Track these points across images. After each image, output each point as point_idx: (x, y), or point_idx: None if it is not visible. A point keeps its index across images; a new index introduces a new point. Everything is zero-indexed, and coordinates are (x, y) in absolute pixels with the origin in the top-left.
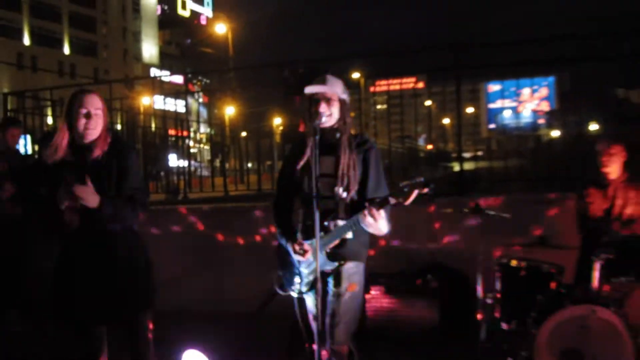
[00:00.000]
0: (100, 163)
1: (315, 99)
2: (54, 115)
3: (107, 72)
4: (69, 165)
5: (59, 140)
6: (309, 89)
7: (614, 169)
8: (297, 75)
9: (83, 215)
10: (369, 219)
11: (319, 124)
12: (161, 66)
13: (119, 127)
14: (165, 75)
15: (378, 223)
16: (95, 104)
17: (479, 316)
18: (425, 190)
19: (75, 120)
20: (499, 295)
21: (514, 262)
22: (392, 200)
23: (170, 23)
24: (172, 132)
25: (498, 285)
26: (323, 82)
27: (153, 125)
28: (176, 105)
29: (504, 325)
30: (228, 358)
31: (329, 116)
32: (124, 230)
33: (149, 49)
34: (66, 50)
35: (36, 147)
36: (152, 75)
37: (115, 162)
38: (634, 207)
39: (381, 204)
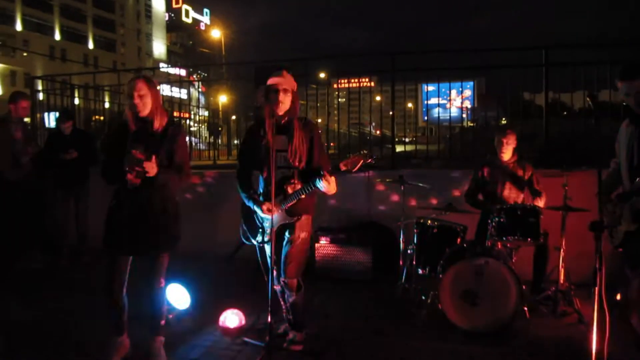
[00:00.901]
0: (156, 135)
1: (274, 89)
2: (71, 96)
3: (123, 65)
4: (134, 134)
5: (128, 115)
6: (270, 81)
7: (507, 154)
8: (264, 71)
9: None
10: (324, 183)
11: (275, 109)
12: (168, 62)
13: None
14: (169, 67)
15: (331, 185)
16: (140, 88)
17: (400, 263)
18: (369, 160)
19: (132, 99)
20: (416, 247)
21: (428, 222)
22: (343, 167)
23: (176, 27)
24: (176, 114)
25: (416, 240)
26: (280, 75)
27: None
28: (172, 92)
29: (420, 271)
30: (204, 290)
31: (283, 103)
32: (162, 187)
33: (159, 48)
34: (90, 45)
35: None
36: (160, 70)
37: (168, 138)
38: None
39: (334, 170)
